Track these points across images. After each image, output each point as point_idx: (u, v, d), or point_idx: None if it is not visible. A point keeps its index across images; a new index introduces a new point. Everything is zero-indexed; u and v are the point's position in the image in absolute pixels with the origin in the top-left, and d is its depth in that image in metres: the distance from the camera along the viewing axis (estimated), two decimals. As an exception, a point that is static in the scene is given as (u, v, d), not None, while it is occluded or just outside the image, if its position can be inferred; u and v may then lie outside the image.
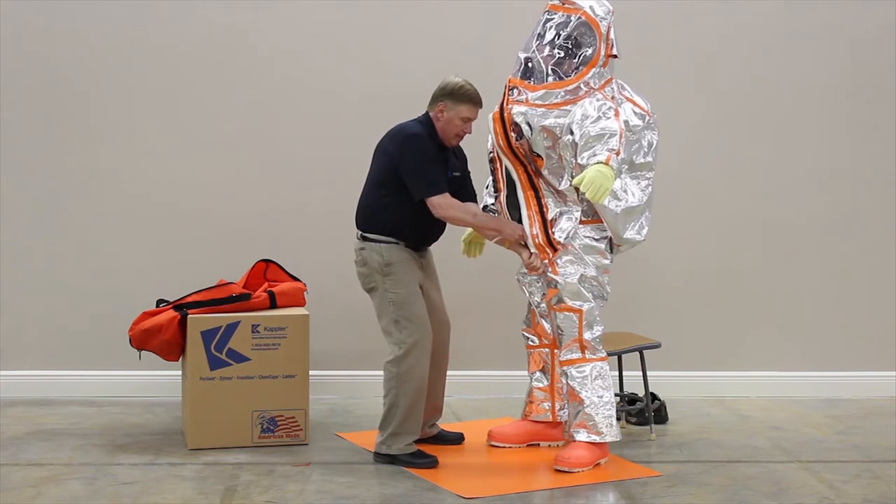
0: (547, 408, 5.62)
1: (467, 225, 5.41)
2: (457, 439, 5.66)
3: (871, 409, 6.49)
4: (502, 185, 5.44)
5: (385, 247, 5.28)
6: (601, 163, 5.00)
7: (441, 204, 5.19)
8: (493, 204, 5.59)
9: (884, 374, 6.81)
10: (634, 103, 5.39)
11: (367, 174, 5.42)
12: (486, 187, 5.64)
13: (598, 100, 5.20)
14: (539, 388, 5.62)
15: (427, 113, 5.35)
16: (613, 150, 5.06)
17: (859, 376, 6.80)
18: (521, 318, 5.70)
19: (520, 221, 5.37)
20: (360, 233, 5.37)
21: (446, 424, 5.77)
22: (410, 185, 5.20)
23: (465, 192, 5.43)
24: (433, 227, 5.39)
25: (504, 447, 5.62)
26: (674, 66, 6.65)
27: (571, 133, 5.15)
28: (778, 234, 6.79)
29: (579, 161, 5.12)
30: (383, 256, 5.27)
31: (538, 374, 5.63)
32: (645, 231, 5.42)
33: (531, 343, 5.63)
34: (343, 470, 5.20)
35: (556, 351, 5.52)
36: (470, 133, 5.37)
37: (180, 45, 6.49)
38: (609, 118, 5.15)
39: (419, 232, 5.34)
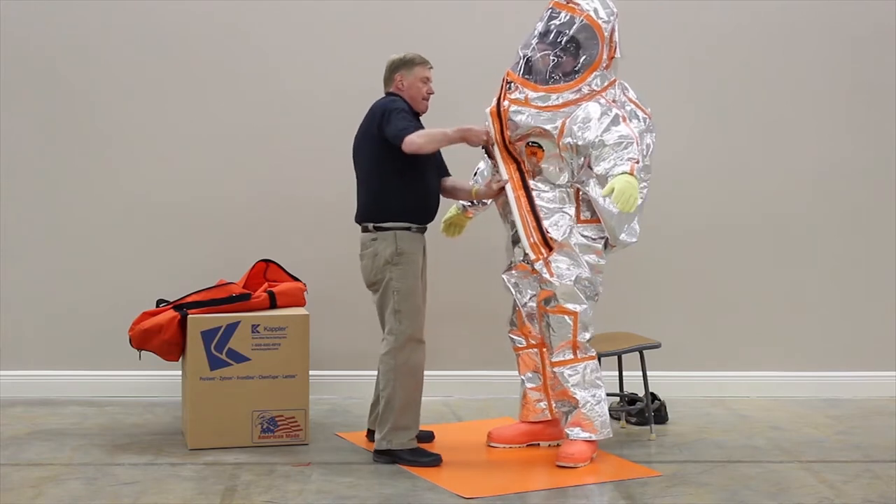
0: (543, 407, 5.61)
1: (442, 143, 5.29)
2: (427, 437, 5.58)
3: (871, 409, 6.49)
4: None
5: (399, 234, 5.28)
6: (626, 173, 4.99)
7: (411, 138, 5.16)
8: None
9: (884, 374, 6.81)
10: (637, 105, 5.38)
11: (356, 177, 5.42)
12: (475, 174, 5.65)
13: (600, 104, 5.19)
14: (532, 389, 5.61)
15: (387, 93, 5.43)
16: (633, 159, 5.04)
17: (859, 376, 6.80)
18: (521, 318, 5.71)
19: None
20: (370, 225, 5.33)
21: (446, 424, 5.77)
22: (389, 135, 5.20)
23: (442, 167, 5.55)
24: (433, 197, 5.41)
25: (504, 448, 5.62)
26: (674, 66, 6.65)
27: (572, 135, 5.14)
28: (778, 234, 6.78)
29: (596, 171, 5.10)
30: (397, 246, 5.26)
31: (530, 374, 5.61)
32: (637, 232, 5.41)
33: (518, 345, 5.61)
34: (343, 470, 5.20)
35: (544, 350, 5.50)
36: (433, 93, 5.42)
37: (180, 45, 6.49)
38: (619, 124, 5.13)
39: (424, 204, 5.34)
